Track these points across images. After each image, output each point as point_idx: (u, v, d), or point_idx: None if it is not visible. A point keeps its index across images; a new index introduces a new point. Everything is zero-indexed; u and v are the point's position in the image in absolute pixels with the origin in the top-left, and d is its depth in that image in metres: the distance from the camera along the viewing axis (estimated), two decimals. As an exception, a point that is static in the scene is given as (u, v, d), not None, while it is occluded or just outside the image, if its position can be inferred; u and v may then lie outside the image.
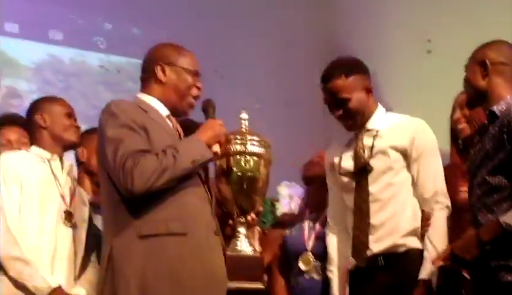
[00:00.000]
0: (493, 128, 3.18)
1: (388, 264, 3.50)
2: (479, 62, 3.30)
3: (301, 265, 3.96)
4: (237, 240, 3.38)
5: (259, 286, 3.40)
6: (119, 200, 3.13)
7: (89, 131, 4.33)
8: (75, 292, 3.61)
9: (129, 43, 7.55)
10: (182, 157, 3.11)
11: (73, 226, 3.69)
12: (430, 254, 3.42)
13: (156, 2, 7.52)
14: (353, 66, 3.69)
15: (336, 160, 3.74)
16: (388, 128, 3.64)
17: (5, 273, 3.48)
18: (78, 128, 3.90)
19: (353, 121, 3.64)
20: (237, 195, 3.39)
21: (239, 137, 3.40)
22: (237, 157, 3.38)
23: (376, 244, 3.52)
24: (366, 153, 3.60)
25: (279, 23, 7.92)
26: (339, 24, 8.04)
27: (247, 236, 3.39)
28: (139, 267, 3.07)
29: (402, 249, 3.51)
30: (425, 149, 3.57)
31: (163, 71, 3.36)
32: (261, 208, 3.51)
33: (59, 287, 3.49)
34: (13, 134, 4.22)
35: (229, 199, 3.37)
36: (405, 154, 3.57)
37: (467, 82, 3.35)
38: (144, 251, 3.09)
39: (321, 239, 3.91)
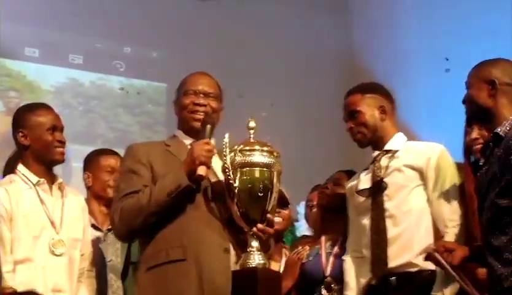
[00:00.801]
0: (498, 149, 3.16)
1: (401, 284, 3.51)
2: (486, 80, 3.27)
3: (324, 292, 3.93)
4: (249, 254, 3.24)
5: None
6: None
7: (94, 154, 4.35)
8: None
9: (149, 66, 7.60)
10: (158, 192, 3.19)
11: (64, 253, 3.59)
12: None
13: (174, 25, 7.56)
14: (372, 87, 3.85)
15: (355, 182, 3.82)
16: (406, 149, 3.71)
17: None
18: (63, 143, 3.68)
19: (362, 134, 3.73)
20: (245, 207, 3.24)
21: (245, 148, 3.28)
22: (245, 168, 3.25)
23: (393, 260, 3.55)
24: (382, 172, 3.64)
25: (298, 43, 7.95)
26: (357, 43, 8.06)
27: (259, 250, 3.24)
28: None
29: (415, 269, 3.53)
30: (442, 170, 3.60)
31: (175, 103, 3.51)
32: (274, 218, 3.32)
33: None
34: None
35: (235, 213, 3.27)
36: (421, 173, 3.61)
37: (471, 99, 3.33)
38: (149, 282, 3.21)
39: (338, 263, 3.92)
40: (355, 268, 3.79)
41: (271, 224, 3.28)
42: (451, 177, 3.61)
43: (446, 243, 3.35)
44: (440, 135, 3.72)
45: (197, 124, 3.38)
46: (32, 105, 3.85)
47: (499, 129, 3.21)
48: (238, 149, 3.27)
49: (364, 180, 3.76)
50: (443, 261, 3.21)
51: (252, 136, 3.32)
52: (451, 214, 3.54)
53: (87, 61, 7.51)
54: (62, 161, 3.70)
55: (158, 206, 3.17)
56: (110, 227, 3.89)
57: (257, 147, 3.27)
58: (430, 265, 3.48)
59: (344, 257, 3.88)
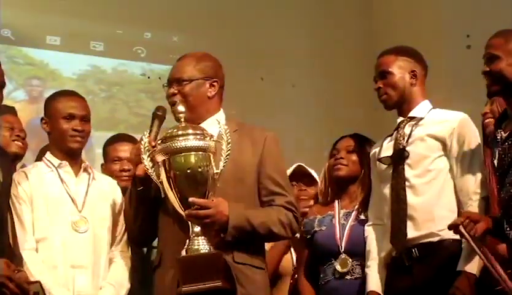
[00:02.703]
0: None
1: (423, 255, 3.49)
2: None
3: (338, 267, 3.88)
4: (192, 240, 3.23)
5: (216, 284, 3.19)
6: None
7: (106, 143, 4.41)
8: None
9: (170, 51, 7.60)
10: (125, 202, 3.56)
11: (87, 230, 3.62)
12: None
13: (195, 8, 7.57)
14: (407, 50, 3.80)
15: (377, 149, 3.79)
16: (431, 118, 3.66)
17: None
18: (80, 132, 3.68)
19: (389, 96, 3.70)
20: (182, 193, 3.23)
21: (179, 133, 3.25)
22: (179, 154, 3.23)
23: (413, 231, 3.52)
24: (405, 140, 3.62)
25: (318, 24, 7.93)
26: (378, 20, 8.03)
27: (198, 235, 3.22)
28: None
29: (437, 239, 3.50)
30: (465, 141, 3.55)
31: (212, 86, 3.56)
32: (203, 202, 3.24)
33: None
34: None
35: (173, 201, 3.28)
36: (444, 143, 3.56)
37: (499, 72, 3.31)
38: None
39: (354, 236, 3.89)
40: (377, 237, 3.76)
41: (205, 207, 3.23)
42: (475, 148, 3.56)
43: (471, 214, 3.30)
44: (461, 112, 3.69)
45: (175, 112, 3.45)
46: (58, 92, 3.89)
47: None
48: (172, 134, 3.25)
49: (387, 148, 3.73)
50: (467, 234, 3.18)
51: (182, 120, 3.29)
52: (476, 186, 3.50)
53: (108, 47, 7.53)
54: (77, 149, 3.72)
55: (130, 214, 3.47)
56: None
57: (190, 131, 3.26)
58: (452, 234, 3.44)
59: (366, 226, 3.85)
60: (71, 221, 3.61)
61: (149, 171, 3.29)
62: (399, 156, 3.62)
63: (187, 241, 3.23)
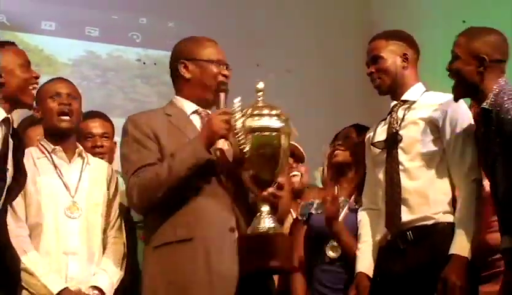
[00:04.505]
0: (491, 126, 3.22)
1: (418, 239, 3.48)
2: (475, 56, 3.31)
3: (330, 253, 3.89)
4: (260, 219, 3.22)
5: (280, 264, 3.23)
6: (141, 216, 3.34)
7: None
8: (94, 282, 3.58)
9: (165, 36, 7.59)
10: (177, 166, 3.14)
11: (80, 216, 3.62)
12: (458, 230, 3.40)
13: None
14: (397, 34, 3.78)
15: (371, 134, 3.78)
16: (424, 101, 3.63)
17: None
18: (68, 105, 3.68)
19: (382, 81, 3.67)
20: (255, 171, 3.23)
21: (255, 113, 3.24)
22: (255, 133, 3.22)
23: (407, 214, 3.51)
24: (398, 124, 3.61)
25: (315, 9, 7.93)
26: (376, 6, 8.02)
27: (269, 213, 3.22)
28: (151, 277, 3.21)
29: (431, 222, 3.48)
30: (458, 124, 3.52)
31: (186, 68, 3.40)
32: (281, 181, 3.29)
33: (65, 289, 3.49)
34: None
35: (245, 178, 3.26)
36: (437, 126, 3.54)
37: (457, 72, 3.37)
38: (156, 261, 3.22)
39: (348, 222, 3.88)
40: (371, 222, 3.74)
41: (280, 187, 3.25)
42: (467, 130, 3.52)
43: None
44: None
45: (222, 95, 3.35)
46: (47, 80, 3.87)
47: (485, 104, 3.24)
48: (248, 113, 3.23)
49: (380, 132, 3.72)
50: None
51: (260, 99, 3.28)
52: (468, 169, 3.47)
53: (103, 33, 7.52)
54: (67, 129, 3.70)
55: (179, 180, 3.14)
56: None
57: (266, 111, 3.24)
58: (447, 218, 3.47)
59: (359, 210, 3.84)
60: (64, 207, 3.61)
61: (241, 142, 3.20)
62: (393, 140, 3.61)
63: (254, 219, 3.22)
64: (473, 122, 3.51)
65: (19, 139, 3.45)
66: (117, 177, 3.86)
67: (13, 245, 3.37)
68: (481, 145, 3.37)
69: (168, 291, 3.16)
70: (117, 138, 4.25)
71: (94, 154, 3.99)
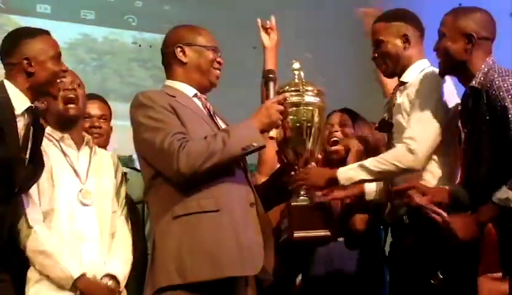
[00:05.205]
0: (479, 103, 3.22)
1: (412, 223, 3.44)
2: (463, 33, 3.30)
3: None
4: (301, 190, 3.43)
5: (325, 233, 3.42)
6: (159, 185, 3.20)
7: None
8: (108, 270, 3.57)
9: (161, 19, 7.57)
10: (232, 143, 3.13)
11: (92, 203, 3.61)
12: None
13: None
14: (397, 14, 3.68)
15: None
16: (416, 81, 3.53)
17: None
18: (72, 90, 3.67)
19: (386, 65, 3.61)
20: (297, 146, 3.41)
21: (295, 89, 3.41)
22: (294, 108, 3.38)
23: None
24: (393, 108, 3.57)
25: None
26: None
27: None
28: (174, 247, 3.13)
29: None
30: (415, 98, 3.46)
31: (183, 52, 3.40)
32: (320, 157, 3.51)
33: (83, 276, 3.48)
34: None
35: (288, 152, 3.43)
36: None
37: (445, 50, 3.34)
38: (179, 230, 3.14)
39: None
40: None
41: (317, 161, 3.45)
42: (422, 104, 3.44)
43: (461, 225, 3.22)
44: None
45: (217, 82, 3.41)
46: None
47: (473, 82, 3.24)
48: (286, 89, 3.40)
49: (383, 113, 3.69)
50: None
51: (296, 77, 3.43)
52: (410, 138, 3.39)
53: (99, 16, 7.50)
54: (74, 116, 3.68)
55: (232, 157, 3.15)
56: None
57: (302, 88, 3.41)
58: None
59: None
60: (76, 194, 3.60)
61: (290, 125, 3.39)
62: (384, 126, 3.61)
63: (296, 190, 3.43)
64: (434, 95, 3.44)
65: (41, 129, 3.44)
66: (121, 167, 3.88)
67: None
68: (465, 123, 3.37)
69: (195, 258, 3.11)
70: (113, 122, 4.26)
71: (91, 135, 3.97)
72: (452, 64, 3.35)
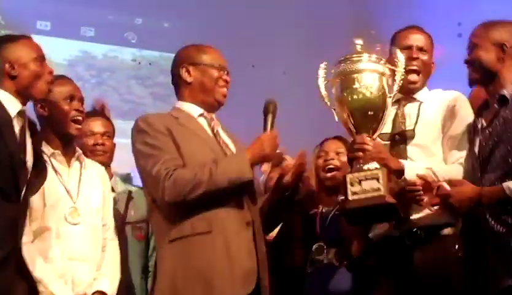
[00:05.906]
0: (505, 111, 3.22)
1: (428, 239, 3.45)
2: (496, 43, 3.32)
3: (315, 254, 3.84)
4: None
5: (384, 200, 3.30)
6: (156, 210, 3.21)
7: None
8: (98, 288, 3.53)
9: (161, 37, 7.59)
10: (219, 175, 3.12)
11: (82, 222, 3.56)
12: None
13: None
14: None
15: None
16: (431, 100, 3.64)
17: None
18: (81, 113, 3.61)
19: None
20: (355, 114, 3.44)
21: (356, 56, 3.47)
22: (355, 75, 3.45)
23: (415, 214, 3.49)
24: (408, 121, 3.60)
25: (309, 10, 7.94)
26: (370, 9, 8.03)
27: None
28: (168, 270, 3.15)
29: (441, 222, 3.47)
30: (458, 118, 3.52)
31: (188, 72, 3.39)
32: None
33: None
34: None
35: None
36: (442, 124, 3.55)
37: (478, 60, 3.35)
38: (173, 254, 3.15)
39: (333, 225, 3.84)
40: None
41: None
42: (465, 124, 3.53)
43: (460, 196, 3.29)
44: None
45: (224, 100, 3.38)
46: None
47: (505, 92, 3.24)
48: (346, 57, 3.52)
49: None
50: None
51: (358, 47, 3.51)
52: (459, 159, 3.49)
53: (99, 33, 7.52)
54: (76, 136, 3.65)
55: (217, 188, 3.12)
56: None
57: (362, 56, 3.47)
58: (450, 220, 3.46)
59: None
60: (66, 213, 3.55)
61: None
62: (402, 136, 3.63)
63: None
64: (470, 120, 3.51)
65: (37, 132, 3.42)
66: (109, 180, 3.85)
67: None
68: (482, 130, 3.37)
69: (188, 281, 3.12)
70: (116, 139, 4.26)
71: (95, 152, 3.98)
72: (485, 74, 3.35)
